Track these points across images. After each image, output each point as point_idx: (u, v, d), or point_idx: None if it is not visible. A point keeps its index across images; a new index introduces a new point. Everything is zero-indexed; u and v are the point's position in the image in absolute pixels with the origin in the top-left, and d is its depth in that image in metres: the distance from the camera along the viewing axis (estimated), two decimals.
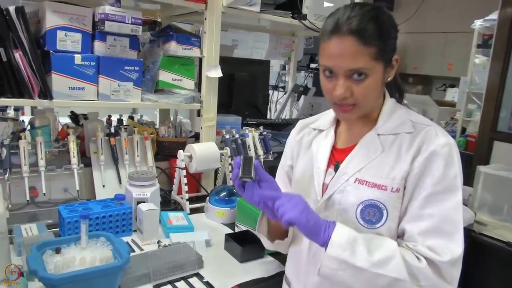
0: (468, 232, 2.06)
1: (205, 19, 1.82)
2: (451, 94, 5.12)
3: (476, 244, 2.08)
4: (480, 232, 2.08)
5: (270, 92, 3.27)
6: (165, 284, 1.18)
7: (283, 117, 2.88)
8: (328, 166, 1.07)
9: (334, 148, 1.09)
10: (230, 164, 1.90)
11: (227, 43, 4.66)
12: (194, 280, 1.21)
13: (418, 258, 0.91)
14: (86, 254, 1.07)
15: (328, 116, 1.16)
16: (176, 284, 1.19)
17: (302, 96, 2.83)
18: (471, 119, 3.70)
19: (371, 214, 0.97)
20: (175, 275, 1.21)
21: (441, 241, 0.91)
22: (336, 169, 1.03)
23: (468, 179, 2.24)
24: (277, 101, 3.08)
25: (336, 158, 1.06)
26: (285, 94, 3.12)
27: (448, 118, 4.03)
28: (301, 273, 1.10)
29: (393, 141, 1.00)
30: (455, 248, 0.91)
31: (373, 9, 0.94)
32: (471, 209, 2.12)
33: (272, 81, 3.57)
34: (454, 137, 3.55)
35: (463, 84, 3.97)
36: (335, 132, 1.12)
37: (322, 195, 1.04)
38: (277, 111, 3.01)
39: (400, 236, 0.98)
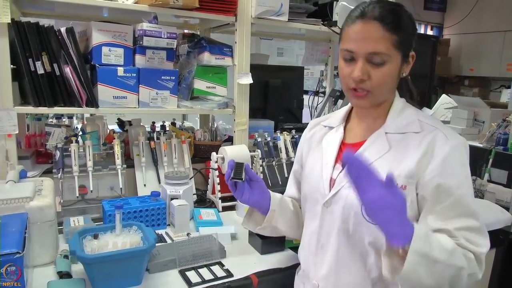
0: (506, 235, 2.01)
1: (236, 30, 1.95)
2: (507, 96, 4.87)
3: None
4: None
5: (311, 97, 3.34)
6: (189, 270, 1.30)
7: None
8: (336, 161, 1.13)
9: (343, 144, 1.15)
10: (261, 165, 2.01)
11: (273, 51, 4.78)
12: (215, 268, 1.33)
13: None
14: (119, 240, 1.22)
15: (339, 113, 1.22)
16: (199, 270, 1.30)
17: (340, 101, 2.87)
18: None
19: None
20: (198, 262, 1.33)
21: (475, 235, 0.99)
22: (343, 165, 1.10)
23: None
24: (316, 106, 3.14)
25: None
26: None
27: (500, 120, 3.86)
28: (310, 264, 1.17)
29: (400, 140, 1.05)
30: (486, 241, 1.00)
31: (394, 4, 1.03)
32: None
33: (314, 86, 3.64)
34: (506, 140, 3.41)
35: None
36: (345, 128, 1.18)
37: (330, 190, 1.10)
38: (315, 116, 3.08)
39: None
